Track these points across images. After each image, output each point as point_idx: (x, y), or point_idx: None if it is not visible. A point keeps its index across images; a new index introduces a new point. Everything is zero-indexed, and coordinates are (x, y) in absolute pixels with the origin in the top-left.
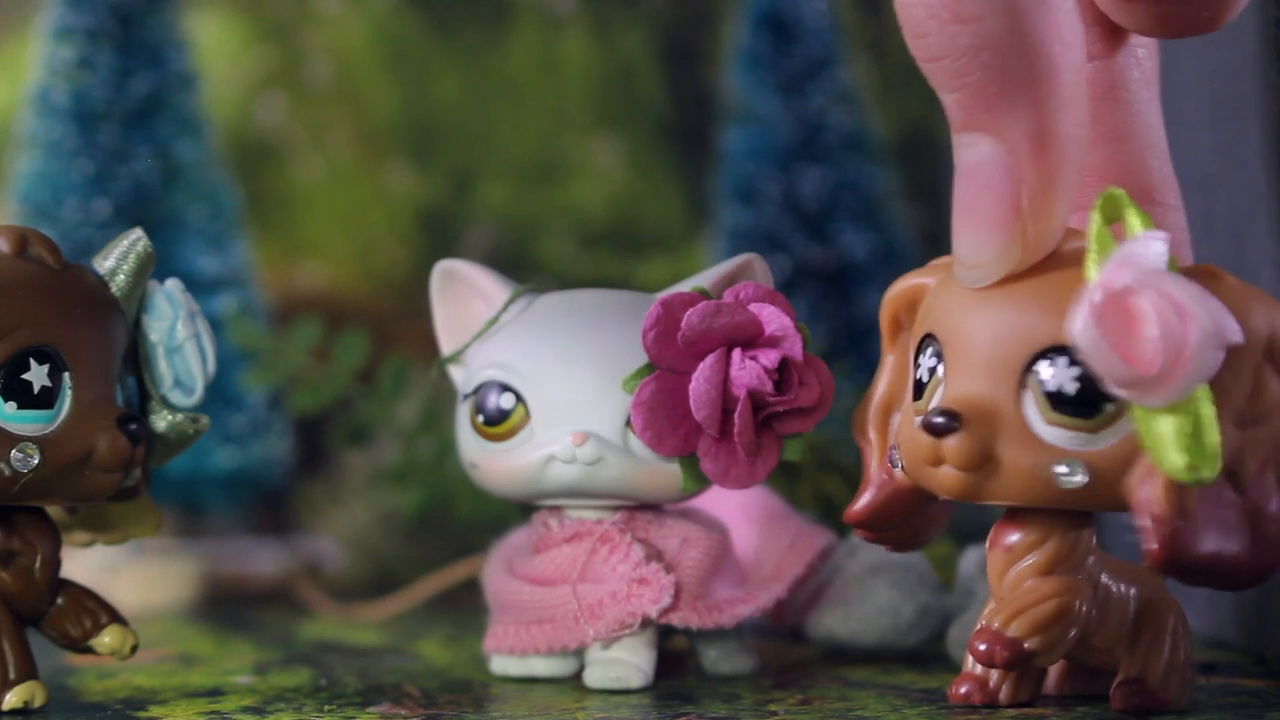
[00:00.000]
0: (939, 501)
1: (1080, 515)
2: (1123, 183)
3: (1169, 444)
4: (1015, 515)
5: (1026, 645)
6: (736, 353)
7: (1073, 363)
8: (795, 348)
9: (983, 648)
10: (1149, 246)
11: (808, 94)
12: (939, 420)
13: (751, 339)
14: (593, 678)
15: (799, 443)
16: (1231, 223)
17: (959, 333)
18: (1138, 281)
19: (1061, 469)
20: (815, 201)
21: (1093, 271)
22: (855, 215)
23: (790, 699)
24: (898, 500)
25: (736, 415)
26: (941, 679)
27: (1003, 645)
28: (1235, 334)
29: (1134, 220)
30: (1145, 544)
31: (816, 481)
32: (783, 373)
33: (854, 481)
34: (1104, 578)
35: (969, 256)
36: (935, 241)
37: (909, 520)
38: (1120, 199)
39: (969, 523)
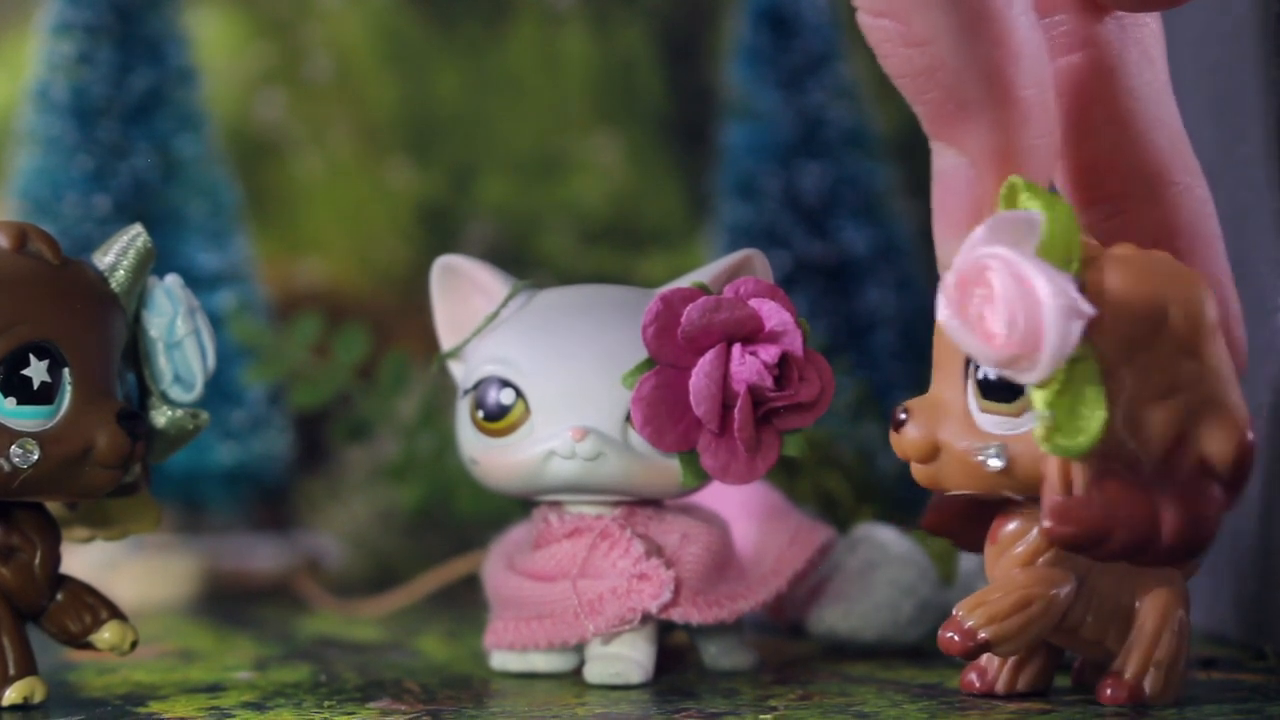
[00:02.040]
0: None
1: None
2: (1128, 166)
3: (1041, 419)
4: (1011, 510)
5: (981, 635)
6: (736, 348)
7: None
8: (795, 343)
9: (945, 635)
10: (1009, 223)
11: (808, 89)
12: (896, 415)
13: (751, 334)
14: (593, 673)
15: (799, 438)
16: (1231, 218)
17: (937, 340)
18: (984, 263)
19: (983, 454)
20: (815, 197)
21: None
22: (855, 211)
23: (790, 694)
24: (967, 502)
25: (736, 411)
26: (941, 674)
27: (962, 635)
28: (1084, 305)
29: (1027, 203)
30: (1040, 521)
31: (816, 477)
32: (783, 368)
33: (853, 477)
34: (1096, 571)
35: (941, 258)
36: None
37: (978, 520)
38: (1016, 186)
39: None
